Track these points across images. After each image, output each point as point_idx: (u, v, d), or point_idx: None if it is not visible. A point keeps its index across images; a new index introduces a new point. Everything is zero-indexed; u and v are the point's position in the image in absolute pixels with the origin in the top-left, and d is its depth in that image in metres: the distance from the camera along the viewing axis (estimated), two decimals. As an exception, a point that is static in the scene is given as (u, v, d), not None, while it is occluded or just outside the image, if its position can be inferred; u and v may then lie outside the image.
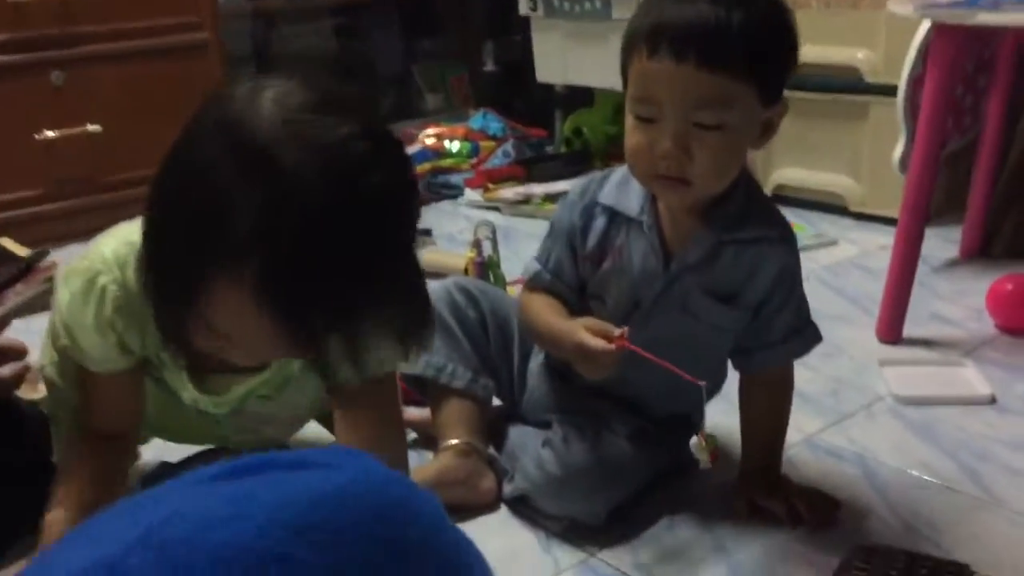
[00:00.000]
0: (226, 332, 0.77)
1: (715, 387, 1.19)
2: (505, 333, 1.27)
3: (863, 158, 2.17)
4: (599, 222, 1.11)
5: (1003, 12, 1.31)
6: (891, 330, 1.57)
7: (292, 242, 0.69)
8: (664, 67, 0.96)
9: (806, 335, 1.14)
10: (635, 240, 1.09)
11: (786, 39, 1.02)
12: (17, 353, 0.99)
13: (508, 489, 1.16)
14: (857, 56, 2.13)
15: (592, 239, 1.11)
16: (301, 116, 0.71)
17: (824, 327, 1.63)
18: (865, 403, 1.39)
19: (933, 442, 1.28)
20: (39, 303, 1.53)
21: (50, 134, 2.27)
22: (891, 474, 1.21)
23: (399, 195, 0.74)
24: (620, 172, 1.11)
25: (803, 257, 1.93)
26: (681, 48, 0.95)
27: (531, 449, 1.17)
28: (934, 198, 1.54)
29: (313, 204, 0.69)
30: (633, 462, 1.13)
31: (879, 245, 2.03)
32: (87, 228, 2.26)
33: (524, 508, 1.14)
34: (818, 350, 1.53)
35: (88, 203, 2.34)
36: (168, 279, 0.77)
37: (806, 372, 1.48)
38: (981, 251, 1.94)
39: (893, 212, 2.07)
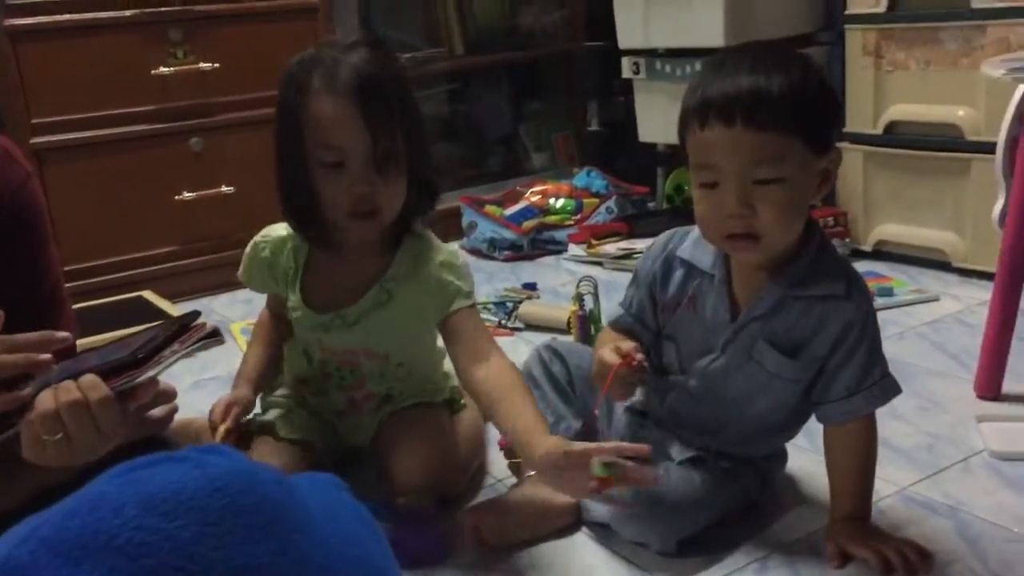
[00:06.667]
0: (337, 143, 1.20)
1: (785, 433, 1.29)
2: (590, 383, 1.37)
3: (965, 214, 2.18)
4: (677, 274, 1.22)
5: (1093, 75, 1.34)
6: (989, 385, 1.58)
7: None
8: (716, 133, 1.06)
9: (876, 389, 1.16)
10: (707, 292, 1.20)
11: (824, 94, 1.10)
12: (168, 396, 1.10)
13: (590, 515, 1.26)
14: (958, 114, 2.15)
15: (671, 288, 1.23)
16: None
17: (922, 382, 1.68)
18: (961, 458, 1.41)
19: (1029, 497, 1.29)
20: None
21: (188, 195, 2.48)
22: (984, 527, 1.22)
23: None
24: (698, 230, 1.19)
25: (903, 312, 2.02)
26: (728, 114, 1.05)
27: None
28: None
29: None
30: (705, 495, 1.21)
31: (982, 301, 2.02)
32: (220, 281, 2.52)
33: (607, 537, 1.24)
34: (915, 404, 1.58)
35: (221, 259, 2.53)
36: (285, 144, 1.25)
37: (902, 426, 1.51)
38: (1089, 307, 1.92)
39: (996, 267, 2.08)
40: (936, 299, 2.09)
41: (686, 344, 1.23)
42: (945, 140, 2.19)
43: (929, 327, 1.94)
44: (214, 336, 1.01)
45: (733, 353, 1.19)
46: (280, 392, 1.46)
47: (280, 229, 1.38)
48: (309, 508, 0.57)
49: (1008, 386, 1.59)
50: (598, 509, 1.24)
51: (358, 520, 0.63)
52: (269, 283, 1.40)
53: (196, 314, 1.03)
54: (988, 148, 2.00)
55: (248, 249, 1.42)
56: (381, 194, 1.23)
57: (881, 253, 2.38)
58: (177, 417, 1.19)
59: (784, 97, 1.04)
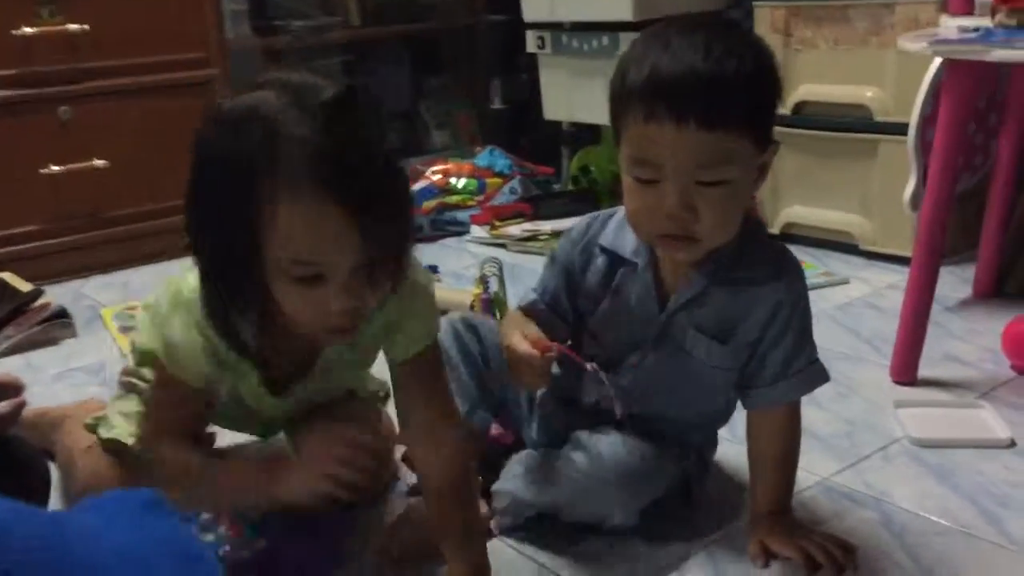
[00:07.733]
0: (308, 256, 0.85)
1: (720, 419, 1.22)
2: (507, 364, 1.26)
3: (873, 196, 2.16)
4: (599, 262, 1.12)
5: (1018, 49, 1.30)
6: (905, 371, 1.54)
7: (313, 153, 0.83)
8: (664, 131, 0.94)
9: (804, 375, 1.11)
10: (632, 282, 1.10)
11: (774, 84, 1.00)
12: (14, 389, 0.98)
13: (537, 505, 1.15)
14: (866, 94, 2.12)
15: (592, 278, 1.13)
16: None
17: (837, 367, 1.63)
18: (881, 445, 1.36)
19: (952, 486, 1.24)
20: (39, 339, 1.53)
21: (56, 169, 2.27)
22: (909, 519, 1.17)
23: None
24: (621, 213, 1.10)
25: (813, 296, 1.94)
26: (680, 111, 0.93)
27: (557, 463, 1.14)
28: (947, 237, 1.52)
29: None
30: (654, 460, 1.12)
31: (890, 284, 2.01)
32: (91, 263, 2.33)
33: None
34: (831, 391, 1.53)
35: (92, 238, 2.34)
36: (226, 250, 0.87)
37: (820, 413, 1.46)
38: (995, 290, 1.91)
39: (904, 251, 2.06)
40: (846, 282, 2.06)
41: (612, 339, 1.14)
42: (853, 121, 2.16)
43: (840, 311, 1.90)
44: (61, 318, 0.86)
45: (664, 347, 1.11)
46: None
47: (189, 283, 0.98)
48: (94, 556, 0.44)
49: (923, 371, 1.56)
50: (514, 493, 1.15)
51: (169, 553, 0.51)
52: (214, 371, 1.02)
53: (39, 293, 0.88)
54: (896, 129, 1.98)
55: (177, 334, 0.99)
56: (367, 303, 0.93)
57: (789, 236, 2.34)
58: (34, 407, 1.08)
59: (741, 94, 0.94)
